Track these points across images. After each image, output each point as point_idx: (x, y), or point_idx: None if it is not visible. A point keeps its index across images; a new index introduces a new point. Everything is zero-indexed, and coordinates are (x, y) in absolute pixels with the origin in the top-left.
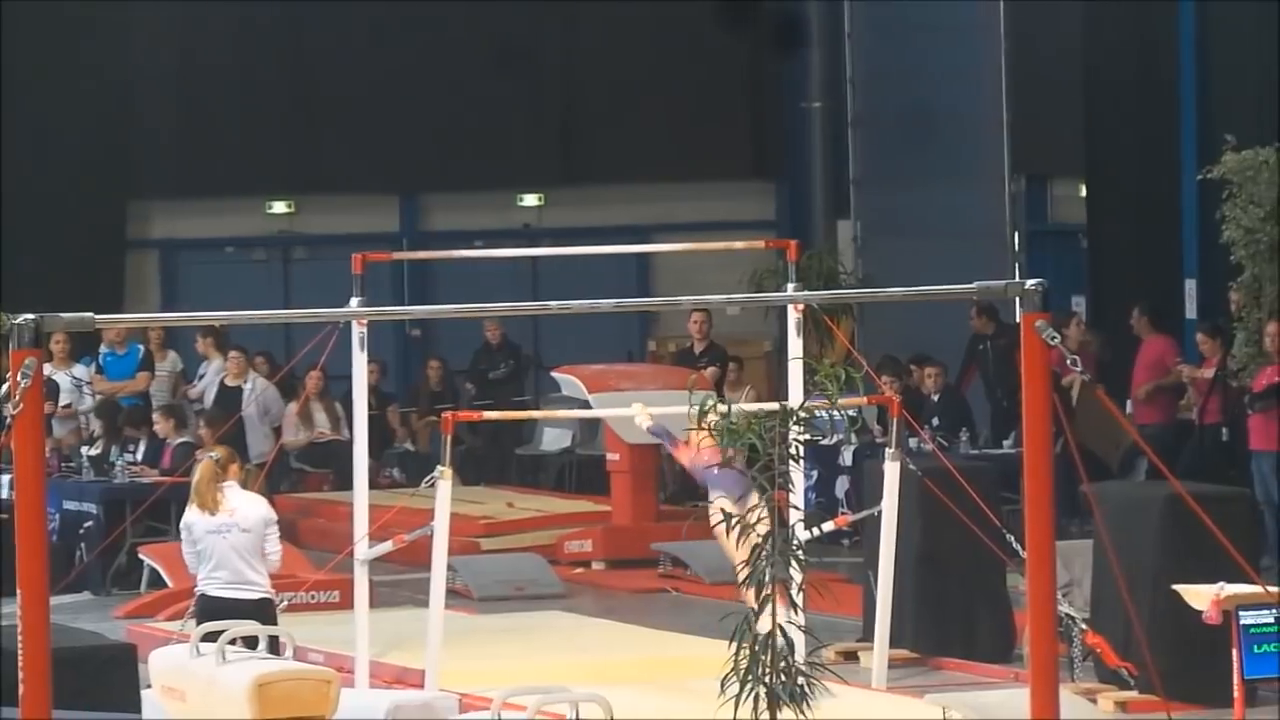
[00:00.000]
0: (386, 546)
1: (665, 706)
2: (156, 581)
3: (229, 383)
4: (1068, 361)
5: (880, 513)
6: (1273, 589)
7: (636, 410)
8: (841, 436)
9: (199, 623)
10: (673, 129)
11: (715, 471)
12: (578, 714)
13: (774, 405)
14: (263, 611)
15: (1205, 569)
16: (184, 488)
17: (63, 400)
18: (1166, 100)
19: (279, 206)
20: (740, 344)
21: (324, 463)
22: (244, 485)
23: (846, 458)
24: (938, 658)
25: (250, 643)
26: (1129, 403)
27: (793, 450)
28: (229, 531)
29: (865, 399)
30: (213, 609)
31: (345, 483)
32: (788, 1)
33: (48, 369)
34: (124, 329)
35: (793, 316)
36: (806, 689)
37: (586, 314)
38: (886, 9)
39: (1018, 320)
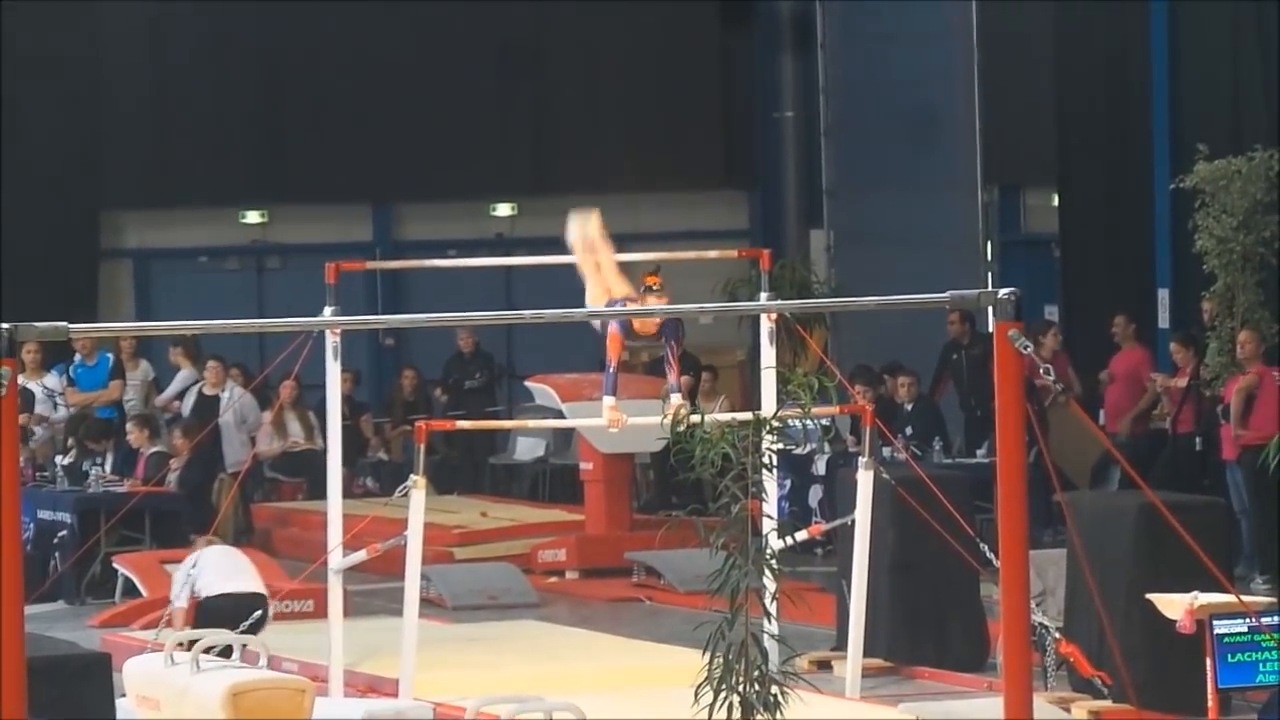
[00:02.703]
0: (360, 556)
1: (639, 715)
2: (131, 590)
3: (207, 391)
4: (1041, 370)
5: (853, 522)
6: (1246, 598)
7: (606, 405)
8: (815, 445)
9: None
10: (645, 138)
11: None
12: None
13: (747, 416)
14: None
15: (1179, 578)
16: (158, 497)
17: (36, 410)
18: (1139, 110)
19: (252, 216)
20: (714, 353)
21: (298, 472)
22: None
23: (820, 467)
24: (911, 666)
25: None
26: (1102, 413)
27: (766, 459)
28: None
29: (838, 408)
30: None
31: (319, 492)
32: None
33: (20, 379)
34: (92, 339)
35: (766, 326)
36: (780, 697)
37: (560, 323)
38: (859, 18)
39: (991, 329)
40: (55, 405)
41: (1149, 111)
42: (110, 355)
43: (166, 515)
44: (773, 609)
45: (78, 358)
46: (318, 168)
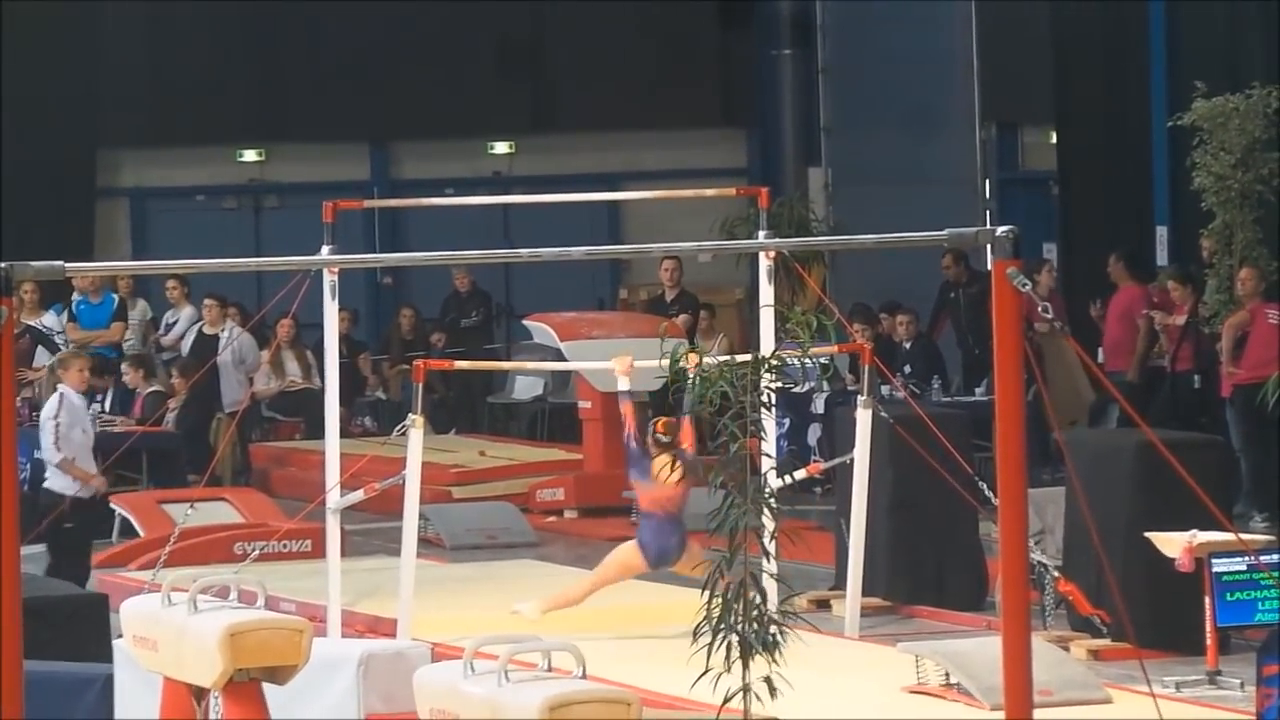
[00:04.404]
0: (358, 495)
1: (637, 655)
2: (128, 531)
3: (206, 330)
4: (1039, 309)
5: (852, 460)
6: (1245, 537)
7: (616, 364)
8: (813, 384)
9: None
10: (643, 76)
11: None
12: (550, 663)
13: (746, 356)
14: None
15: (1178, 516)
16: (155, 437)
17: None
18: (1137, 47)
19: (249, 155)
20: (712, 292)
21: (295, 411)
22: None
23: (818, 405)
24: (910, 606)
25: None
26: (1100, 350)
27: (765, 398)
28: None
29: (837, 346)
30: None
31: (317, 431)
32: None
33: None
34: (99, 278)
35: (764, 264)
36: (779, 637)
37: (557, 262)
38: None
39: (989, 268)
40: (54, 343)
41: (1147, 48)
42: (116, 296)
43: (164, 455)
44: (771, 548)
45: (75, 296)
46: (315, 106)
